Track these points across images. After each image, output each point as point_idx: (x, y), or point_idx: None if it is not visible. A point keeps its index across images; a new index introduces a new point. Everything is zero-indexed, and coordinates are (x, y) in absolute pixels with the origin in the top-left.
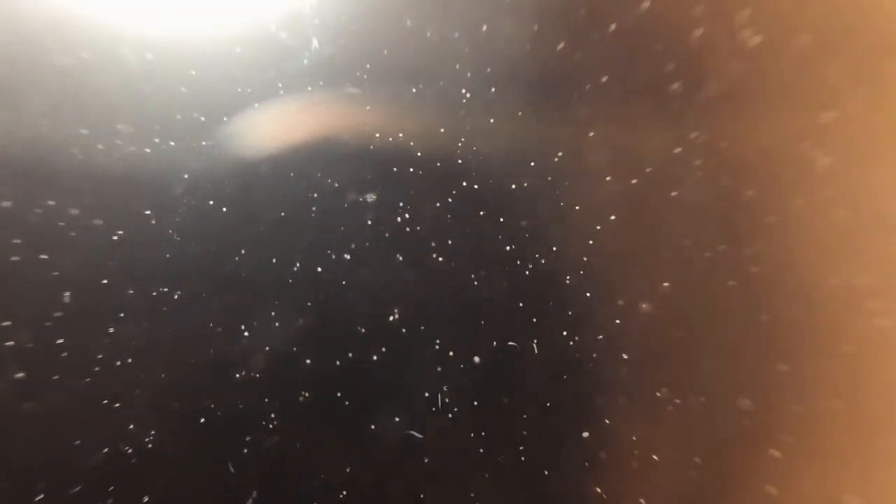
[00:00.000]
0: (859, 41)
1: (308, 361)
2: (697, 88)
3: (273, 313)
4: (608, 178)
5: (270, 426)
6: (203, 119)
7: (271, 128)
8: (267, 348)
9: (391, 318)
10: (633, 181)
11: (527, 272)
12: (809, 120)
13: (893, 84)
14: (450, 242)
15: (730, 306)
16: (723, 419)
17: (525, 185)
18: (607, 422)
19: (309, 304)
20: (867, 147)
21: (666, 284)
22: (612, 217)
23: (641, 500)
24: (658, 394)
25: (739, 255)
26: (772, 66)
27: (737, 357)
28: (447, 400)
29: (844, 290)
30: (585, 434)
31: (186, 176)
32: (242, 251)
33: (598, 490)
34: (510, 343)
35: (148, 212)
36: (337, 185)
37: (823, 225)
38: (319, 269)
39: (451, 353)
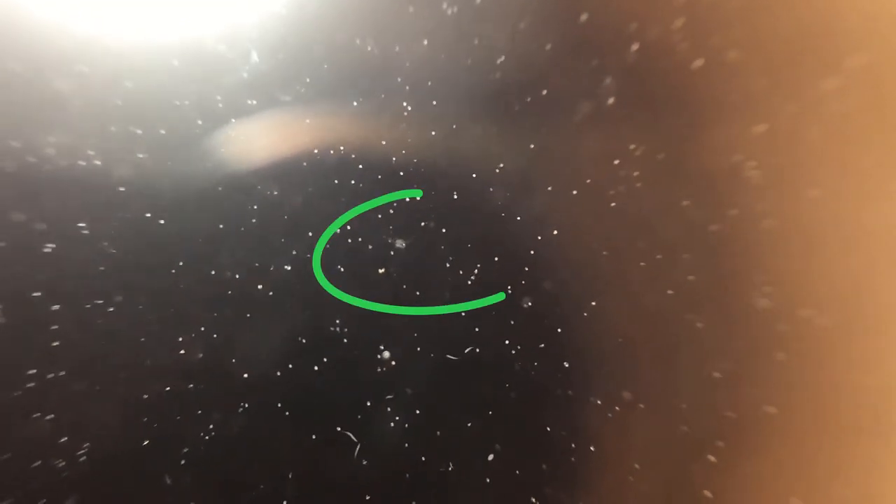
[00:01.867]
0: (788, 57)
1: (247, 372)
2: (634, 101)
3: (211, 325)
4: (549, 189)
5: (208, 437)
6: (139, 132)
7: (209, 140)
8: (205, 359)
9: (332, 329)
10: (574, 192)
11: (469, 282)
12: (742, 133)
13: (821, 99)
14: (391, 253)
15: (667, 314)
16: (660, 426)
17: (466, 196)
18: (548, 430)
19: (248, 315)
20: (796, 159)
21: (605, 293)
22: (553, 227)
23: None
24: (598, 402)
25: (676, 264)
26: (706, 81)
27: (674, 364)
28: (388, 409)
29: (777, 297)
30: (525, 442)
31: (122, 189)
32: (180, 263)
33: (534, 500)
34: (448, 356)
35: (81, 224)
36: (277, 196)
37: (756, 234)
38: (259, 280)
39: (393, 363)
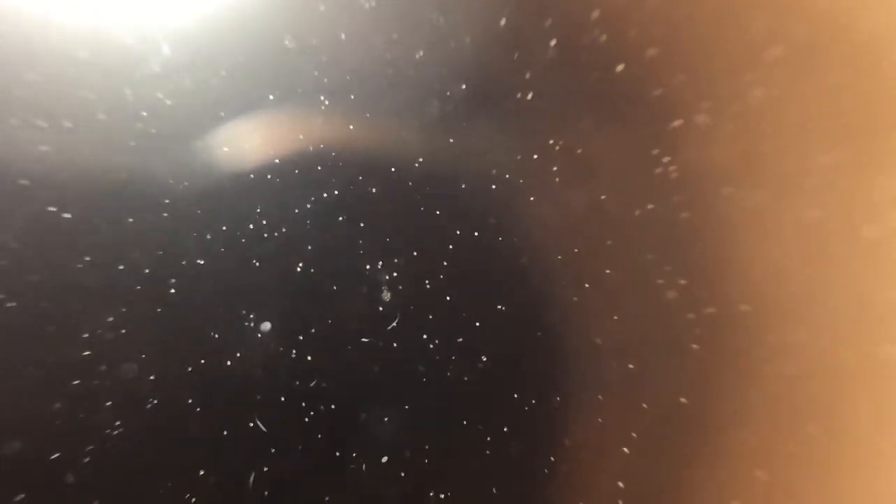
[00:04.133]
0: (702, 54)
1: (157, 368)
2: (554, 97)
3: (120, 320)
4: (465, 186)
5: (115, 433)
6: (43, 125)
7: (117, 134)
8: (113, 356)
9: (247, 324)
10: (493, 187)
11: (388, 277)
12: (659, 128)
13: (736, 94)
14: (309, 248)
15: (584, 308)
16: (576, 418)
17: (385, 191)
18: (464, 423)
19: (159, 310)
20: (711, 154)
21: (522, 287)
22: (471, 222)
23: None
24: (515, 395)
25: (594, 257)
26: (624, 76)
27: (590, 357)
28: (303, 404)
29: (692, 289)
30: (441, 436)
31: (25, 182)
32: (86, 258)
33: (442, 497)
34: (364, 349)
35: None
36: (188, 189)
37: (673, 227)
38: (171, 275)
39: (308, 358)
